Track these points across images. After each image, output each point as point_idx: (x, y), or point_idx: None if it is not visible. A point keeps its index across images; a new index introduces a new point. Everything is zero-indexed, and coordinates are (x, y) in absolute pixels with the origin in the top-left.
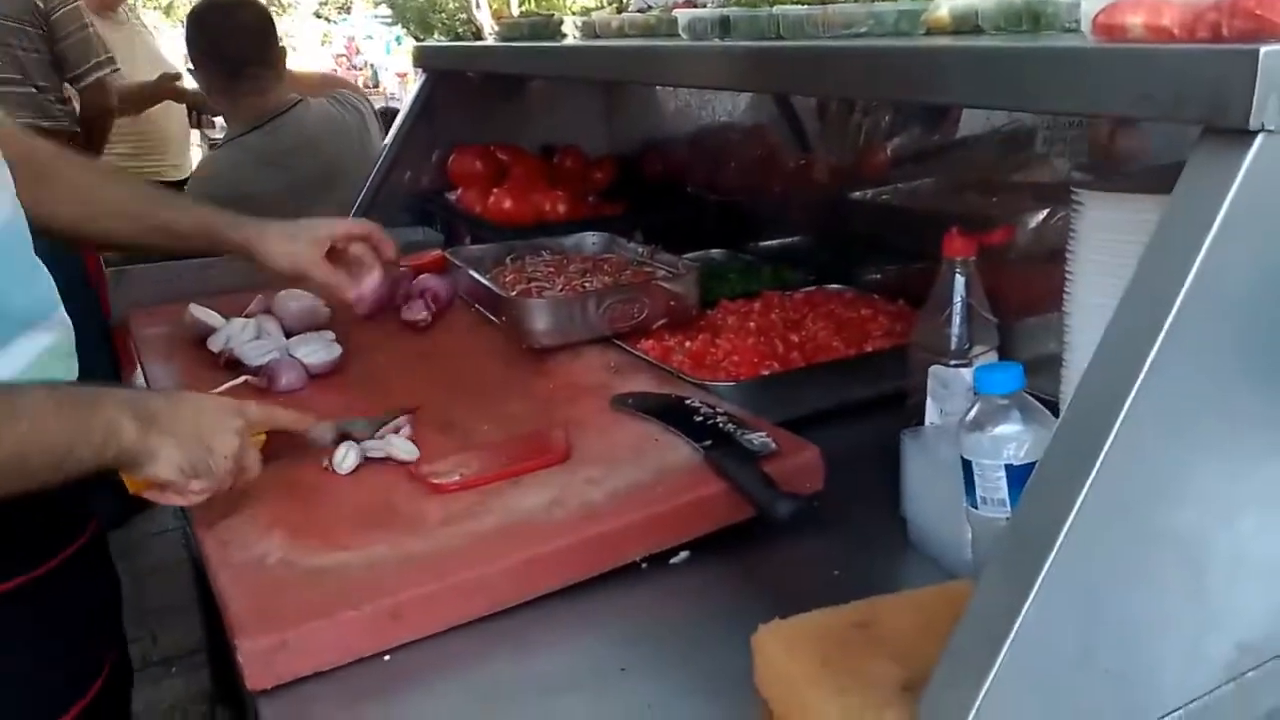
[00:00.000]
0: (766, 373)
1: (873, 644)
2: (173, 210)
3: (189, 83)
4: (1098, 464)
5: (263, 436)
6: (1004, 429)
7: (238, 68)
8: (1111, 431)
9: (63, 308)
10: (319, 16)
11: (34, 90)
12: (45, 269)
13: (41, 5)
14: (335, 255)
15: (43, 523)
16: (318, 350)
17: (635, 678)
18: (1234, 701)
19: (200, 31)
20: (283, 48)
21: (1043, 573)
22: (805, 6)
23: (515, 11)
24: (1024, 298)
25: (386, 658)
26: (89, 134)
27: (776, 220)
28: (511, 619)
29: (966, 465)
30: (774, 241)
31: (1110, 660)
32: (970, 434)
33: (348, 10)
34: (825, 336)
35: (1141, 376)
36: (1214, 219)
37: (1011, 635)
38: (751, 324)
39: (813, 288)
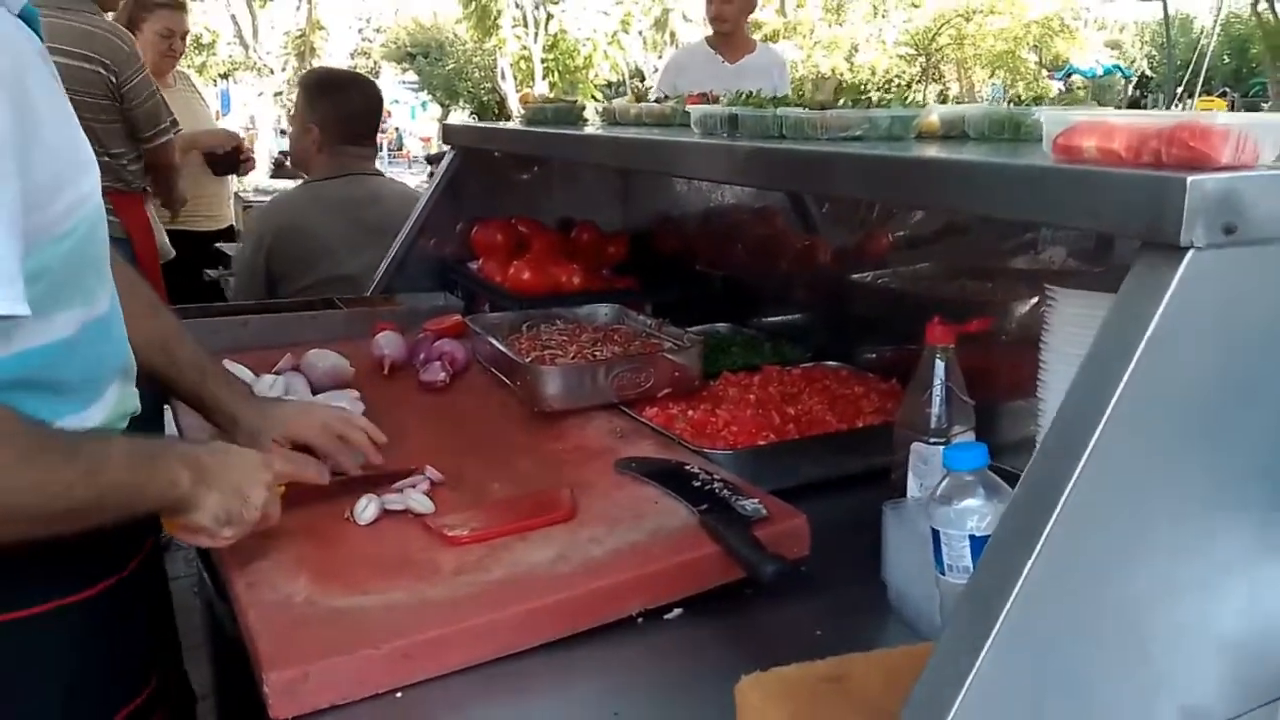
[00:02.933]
0: (763, 443)
1: (843, 697)
2: (182, 368)
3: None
4: (1043, 536)
5: (283, 487)
6: (968, 503)
7: (356, 138)
8: (1056, 507)
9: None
10: None
11: (108, 158)
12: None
13: (114, 79)
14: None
15: (109, 541)
16: (342, 407)
17: None
18: None
19: (332, 101)
20: None
21: (992, 634)
22: (805, 110)
23: (540, 86)
24: (1010, 381)
25: (399, 694)
26: (161, 188)
27: (780, 297)
28: (515, 664)
29: (935, 535)
30: (777, 318)
31: (1061, 717)
32: (939, 507)
33: (375, 75)
34: (820, 411)
35: (1082, 461)
36: (1149, 324)
37: (964, 691)
38: (751, 396)
39: (811, 364)
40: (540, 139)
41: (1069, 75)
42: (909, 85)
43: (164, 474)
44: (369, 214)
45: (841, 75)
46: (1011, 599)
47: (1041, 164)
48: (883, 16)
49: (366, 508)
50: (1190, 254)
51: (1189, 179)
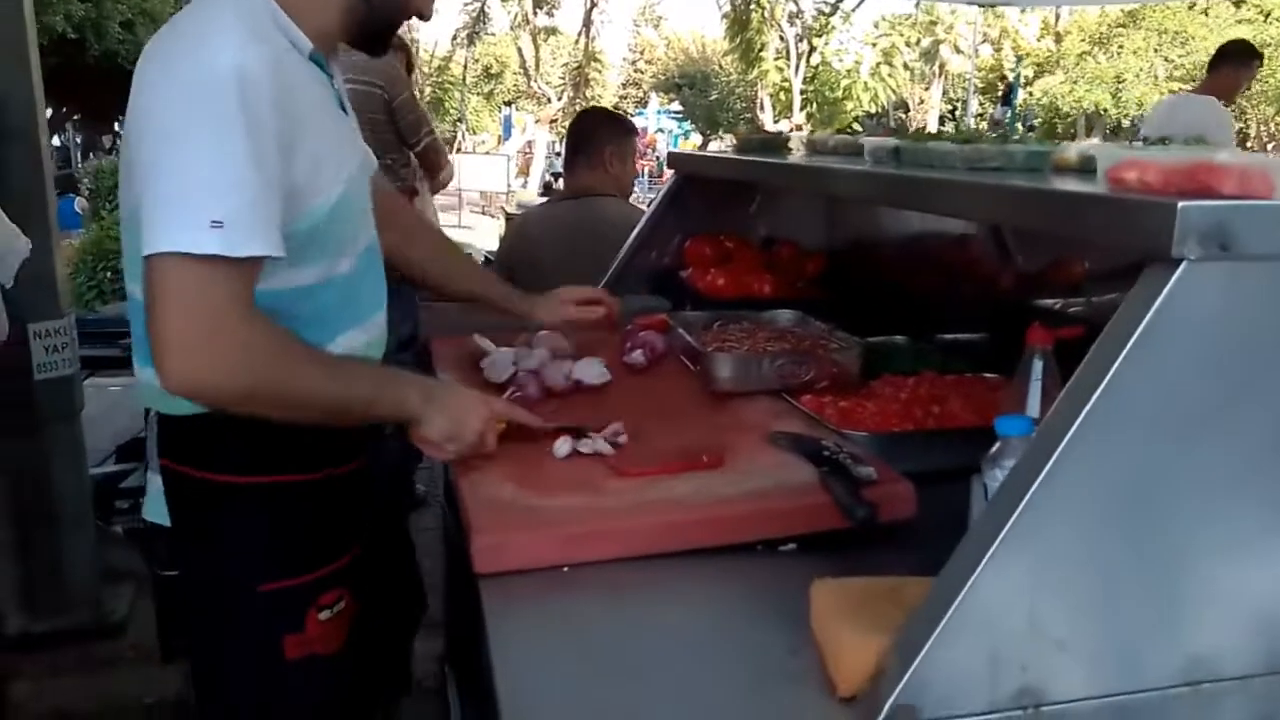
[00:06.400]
0: (897, 430)
1: (893, 601)
2: (478, 282)
3: None
4: (1039, 479)
5: (503, 424)
6: (1010, 462)
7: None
8: (1041, 473)
9: (384, 316)
10: (616, 109)
11: (389, 163)
12: (384, 282)
13: (386, 98)
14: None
15: (350, 437)
16: (588, 370)
17: (736, 619)
18: (1188, 706)
19: (607, 131)
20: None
21: (988, 553)
22: (950, 144)
23: (797, 117)
24: None
25: (566, 569)
26: (431, 178)
27: (961, 318)
28: (655, 562)
29: (984, 488)
30: (954, 335)
31: (1059, 632)
32: (990, 467)
33: (644, 104)
34: (960, 410)
35: (1075, 427)
36: (1139, 324)
37: (961, 595)
38: (903, 395)
39: (969, 374)
40: (745, 166)
41: None
42: None
43: (396, 392)
44: (581, 244)
45: (1105, 110)
46: (1005, 531)
47: (1098, 191)
48: (1155, 51)
49: (562, 446)
50: (1184, 265)
51: (1179, 204)
